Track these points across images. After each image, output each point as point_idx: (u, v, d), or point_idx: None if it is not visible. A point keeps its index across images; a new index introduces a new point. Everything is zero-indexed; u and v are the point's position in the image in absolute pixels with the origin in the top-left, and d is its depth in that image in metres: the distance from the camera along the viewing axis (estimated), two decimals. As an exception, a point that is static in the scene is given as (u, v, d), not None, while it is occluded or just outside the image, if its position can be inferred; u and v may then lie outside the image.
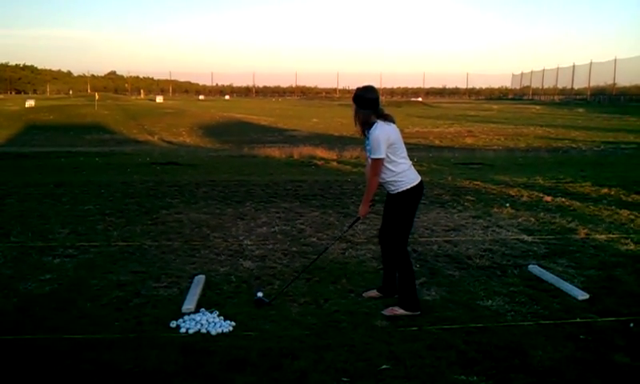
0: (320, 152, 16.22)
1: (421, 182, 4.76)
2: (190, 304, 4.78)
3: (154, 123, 27.70)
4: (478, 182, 11.05)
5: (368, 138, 4.59)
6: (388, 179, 4.67)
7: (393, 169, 4.62)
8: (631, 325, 4.53)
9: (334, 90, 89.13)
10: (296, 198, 9.56)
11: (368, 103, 4.60)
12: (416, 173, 4.77)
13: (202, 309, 4.71)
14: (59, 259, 6.12)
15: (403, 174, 4.67)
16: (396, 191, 4.70)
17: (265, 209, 8.67)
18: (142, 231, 7.32)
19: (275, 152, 16.53)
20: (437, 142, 21.20)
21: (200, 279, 5.41)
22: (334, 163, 14.53)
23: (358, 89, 4.70)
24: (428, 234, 7.26)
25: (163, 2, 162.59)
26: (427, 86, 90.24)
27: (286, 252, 6.46)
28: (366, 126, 4.62)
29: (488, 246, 6.75)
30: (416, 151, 16.88)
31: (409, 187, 4.67)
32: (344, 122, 29.19)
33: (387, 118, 4.63)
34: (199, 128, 26.63)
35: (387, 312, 4.70)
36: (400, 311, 4.69)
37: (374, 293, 5.11)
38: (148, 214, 8.23)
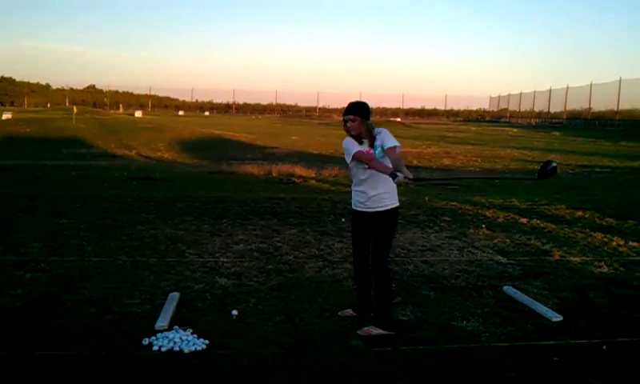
0: (299, 170, 16.22)
1: None
2: (163, 321, 4.72)
3: (132, 138, 27.51)
4: (455, 203, 11.12)
5: (375, 145, 4.65)
6: (385, 191, 4.74)
7: (391, 181, 4.64)
8: (604, 347, 4.56)
9: (314, 109, 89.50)
10: (273, 215, 9.53)
11: (369, 113, 4.74)
12: None
13: (176, 326, 4.65)
14: (31, 274, 6.01)
15: (396, 190, 4.79)
16: (390, 206, 4.77)
17: (242, 226, 8.63)
18: (116, 246, 7.23)
19: (254, 169, 16.50)
20: (415, 162, 21.31)
21: (174, 296, 5.35)
22: (313, 181, 14.54)
23: (358, 102, 4.79)
24: (404, 254, 7.27)
25: (143, 17, 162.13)
26: (406, 106, 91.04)
27: (262, 270, 6.42)
28: (369, 134, 4.68)
29: (464, 266, 6.78)
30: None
31: (398, 204, 4.83)
32: (323, 140, 29.31)
33: None
34: (178, 143, 26.51)
35: (363, 332, 4.68)
36: (376, 331, 4.67)
37: (349, 312, 5.09)
38: (123, 229, 8.14)
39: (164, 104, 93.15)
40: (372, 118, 4.78)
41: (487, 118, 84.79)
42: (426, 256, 7.22)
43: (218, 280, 6.00)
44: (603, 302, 5.69)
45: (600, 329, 4.96)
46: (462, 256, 7.27)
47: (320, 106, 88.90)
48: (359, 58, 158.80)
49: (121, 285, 5.74)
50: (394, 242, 7.71)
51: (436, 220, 9.45)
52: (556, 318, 5.13)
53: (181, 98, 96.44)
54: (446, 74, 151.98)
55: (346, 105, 4.83)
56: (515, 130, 52.15)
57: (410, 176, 4.40)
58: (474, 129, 52.48)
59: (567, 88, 65.76)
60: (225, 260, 6.77)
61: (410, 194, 12.32)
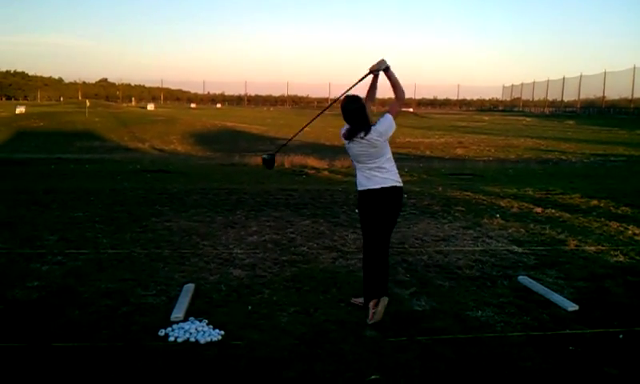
0: (311, 161, 16.22)
1: None
2: (178, 312, 4.75)
3: (145, 131, 27.63)
4: (469, 193, 11.07)
5: (377, 124, 4.79)
6: (393, 170, 4.86)
7: (392, 161, 4.89)
8: (620, 336, 4.54)
9: (326, 100, 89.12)
10: (287, 206, 9.54)
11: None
12: None
13: (191, 317, 4.68)
14: (47, 266, 6.06)
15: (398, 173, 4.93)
16: (399, 184, 4.85)
17: (255, 217, 8.65)
18: (131, 239, 7.27)
19: (266, 161, 16.49)
20: (427, 153, 21.26)
21: (189, 287, 5.37)
22: (325, 172, 14.53)
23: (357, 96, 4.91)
24: (418, 245, 7.26)
25: (156, 10, 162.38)
26: (418, 96, 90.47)
27: (276, 261, 6.44)
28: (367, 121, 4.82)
29: (478, 256, 6.76)
30: (407, 161, 16.92)
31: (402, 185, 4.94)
32: (335, 131, 29.20)
33: None
34: (190, 136, 26.60)
35: (372, 317, 4.70)
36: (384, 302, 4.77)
37: (360, 301, 5.09)
38: (137, 222, 8.18)
39: (176, 97, 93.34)
40: (374, 109, 4.91)
41: (500, 108, 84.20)
42: (440, 246, 7.20)
43: (232, 271, 6.02)
44: (619, 291, 5.65)
45: (616, 318, 4.93)
46: (477, 246, 7.24)
47: (331, 96, 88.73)
48: (371, 48, 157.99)
49: (136, 277, 5.78)
50: (408, 232, 7.77)
51: (450, 210, 9.42)
52: (572, 307, 5.10)
53: (193, 91, 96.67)
54: (458, 64, 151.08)
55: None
56: (529, 119, 51.82)
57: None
58: (487, 118, 52.20)
59: (581, 76, 65.20)
60: (239, 251, 6.79)
61: (423, 183, 12.29)
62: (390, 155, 4.86)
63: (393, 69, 4.90)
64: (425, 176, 13.95)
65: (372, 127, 4.74)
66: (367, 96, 5.03)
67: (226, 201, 9.92)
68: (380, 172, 4.79)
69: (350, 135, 4.78)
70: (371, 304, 4.76)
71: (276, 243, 7.21)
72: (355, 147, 4.79)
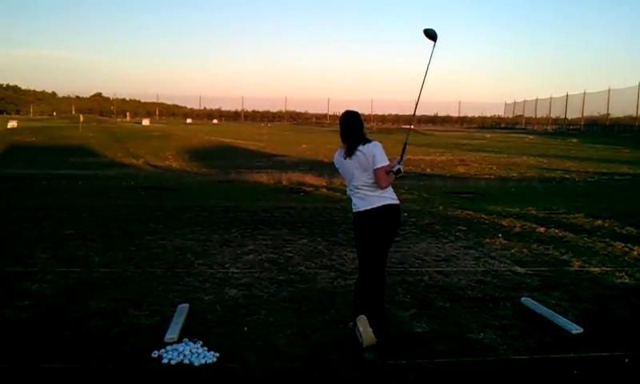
0: (309, 178, 16.23)
1: None
2: (172, 333, 4.72)
3: (140, 146, 27.67)
4: (470, 212, 11.08)
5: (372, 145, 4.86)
6: (388, 188, 4.92)
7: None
8: (626, 360, 4.52)
9: (325, 116, 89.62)
10: (284, 225, 9.54)
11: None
12: None
13: (185, 339, 4.66)
14: (38, 285, 6.04)
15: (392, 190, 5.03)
16: (395, 202, 4.93)
17: (252, 236, 8.64)
18: (124, 257, 7.26)
19: (263, 178, 16.52)
20: (428, 170, 21.29)
21: (183, 308, 5.36)
22: (324, 190, 14.54)
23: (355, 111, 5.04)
24: (419, 264, 7.25)
25: (151, 24, 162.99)
26: (419, 113, 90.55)
27: (272, 281, 6.42)
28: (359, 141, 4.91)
29: (480, 277, 6.75)
30: (406, 179, 16.92)
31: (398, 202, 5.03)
32: (334, 147, 29.19)
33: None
34: (186, 152, 26.62)
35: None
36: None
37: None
38: (131, 240, 8.17)
39: (172, 112, 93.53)
40: (374, 126, 4.98)
41: (502, 125, 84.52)
42: (441, 266, 7.20)
43: (227, 291, 6.00)
44: (624, 313, 5.64)
45: (621, 341, 4.91)
46: (479, 266, 7.24)
47: (331, 112, 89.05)
48: (371, 63, 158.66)
49: (129, 296, 5.76)
50: (408, 252, 7.76)
51: (451, 229, 9.42)
52: (576, 330, 5.09)
53: (189, 106, 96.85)
54: (459, 80, 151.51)
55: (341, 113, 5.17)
56: (531, 136, 51.95)
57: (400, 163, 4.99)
58: (488, 136, 52.35)
59: (584, 94, 65.44)
60: (235, 271, 6.77)
61: (424, 202, 12.30)
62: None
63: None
64: (425, 194, 13.96)
65: (371, 142, 4.83)
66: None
67: (222, 219, 9.92)
68: (375, 190, 4.84)
69: (348, 152, 4.85)
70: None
71: (273, 262, 7.20)
72: (351, 163, 4.85)
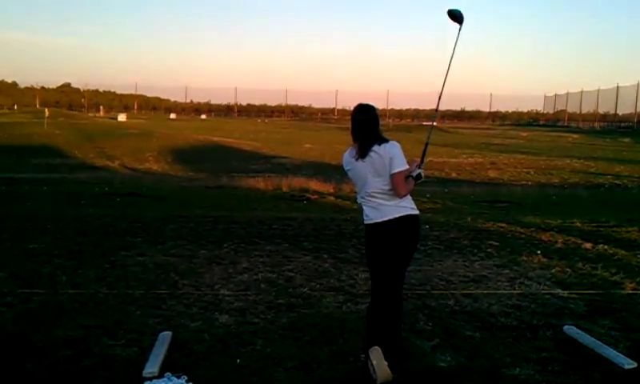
0: (314, 184, 16.24)
1: None
2: (153, 367, 4.72)
3: (115, 146, 27.75)
4: (504, 224, 11.06)
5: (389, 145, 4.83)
6: (407, 197, 4.92)
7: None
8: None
9: (332, 111, 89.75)
10: (284, 238, 9.54)
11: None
12: None
13: (168, 373, 4.65)
14: (-5, 309, 6.06)
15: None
16: (414, 212, 4.92)
17: (246, 251, 8.65)
18: (96, 276, 7.27)
19: (260, 183, 16.54)
20: (454, 175, 21.29)
21: (166, 336, 5.35)
22: (331, 198, 14.55)
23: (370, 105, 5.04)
24: (443, 286, 7.24)
25: (128, 4, 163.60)
26: (443, 107, 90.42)
27: (270, 305, 6.42)
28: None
29: (515, 301, 6.73)
30: (428, 185, 16.90)
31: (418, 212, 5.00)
32: (343, 148, 29.24)
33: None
34: (169, 153, 26.69)
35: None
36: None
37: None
38: (105, 256, 8.18)
39: (152, 106, 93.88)
40: (390, 122, 4.95)
41: (541, 122, 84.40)
42: (470, 288, 7.19)
43: (217, 317, 6.00)
44: (687, 345, 5.61)
45: (683, 378, 4.89)
46: (514, 288, 7.22)
47: (339, 106, 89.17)
48: (386, 50, 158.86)
49: (102, 322, 5.76)
50: (430, 271, 7.75)
51: (481, 245, 9.41)
52: (629, 364, 5.06)
53: (172, 99, 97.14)
54: (490, 69, 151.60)
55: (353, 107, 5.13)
56: (575, 135, 51.88)
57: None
58: (525, 134, 52.29)
59: (638, 84, 65.34)
60: (226, 293, 6.78)
61: (449, 212, 12.29)
62: None
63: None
64: (451, 203, 13.95)
65: (388, 142, 4.79)
66: None
67: (212, 231, 9.93)
68: (391, 199, 4.81)
69: (360, 153, 4.81)
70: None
71: (271, 283, 7.20)
72: (363, 166, 4.83)
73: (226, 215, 11.46)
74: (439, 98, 5.38)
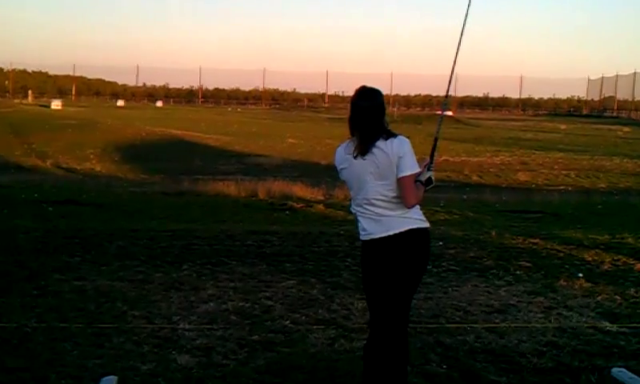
0: (298, 189, 16.26)
1: None
2: (93, 421, 4.71)
3: (48, 141, 27.70)
4: (536, 240, 11.09)
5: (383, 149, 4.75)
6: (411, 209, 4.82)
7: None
8: None
9: (321, 97, 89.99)
10: (261, 258, 9.53)
11: None
12: None
13: (112, 429, 4.64)
14: None
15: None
16: (423, 225, 4.84)
17: (212, 274, 8.63)
18: (22, 305, 7.23)
19: (230, 188, 16.56)
20: (474, 178, 21.37)
21: (110, 382, 5.34)
22: (320, 207, 14.56)
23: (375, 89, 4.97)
24: (460, 318, 7.24)
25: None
26: (462, 92, 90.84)
27: (242, 342, 6.41)
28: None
29: (551, 337, 6.74)
30: (443, 191, 16.96)
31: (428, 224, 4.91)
32: (335, 144, 29.28)
33: None
34: (116, 149, 26.66)
35: None
36: None
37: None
38: (33, 280, 8.15)
39: (95, 90, 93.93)
40: (395, 111, 4.88)
41: (584, 112, 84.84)
42: (494, 321, 7.19)
43: (176, 357, 5.98)
44: None
45: None
46: (549, 321, 7.23)
47: (331, 92, 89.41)
48: (389, 21, 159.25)
49: (29, 364, 5.73)
50: (444, 299, 7.75)
51: (508, 266, 9.42)
52: (693, 416, 5.08)
53: (121, 82, 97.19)
54: (521, 47, 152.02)
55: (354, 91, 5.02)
56: (627, 128, 52.15)
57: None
58: (563, 127, 52.60)
59: None
60: (186, 326, 6.75)
61: (469, 225, 12.32)
62: None
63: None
64: (471, 214, 13.99)
65: (396, 137, 4.73)
66: None
67: (169, 249, 9.92)
68: (396, 208, 4.77)
69: (361, 148, 4.75)
70: None
71: (244, 314, 7.18)
72: (363, 166, 4.77)
73: (187, 229, 11.45)
74: (449, 81, 5.36)
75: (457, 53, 5.22)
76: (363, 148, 4.70)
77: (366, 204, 4.80)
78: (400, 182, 4.66)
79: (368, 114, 4.76)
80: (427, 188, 4.78)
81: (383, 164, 4.67)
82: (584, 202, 16.90)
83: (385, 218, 4.76)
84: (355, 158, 4.74)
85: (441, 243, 10.01)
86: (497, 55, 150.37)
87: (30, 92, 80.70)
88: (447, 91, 5.54)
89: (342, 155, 4.88)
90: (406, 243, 4.76)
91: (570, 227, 12.55)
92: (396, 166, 4.65)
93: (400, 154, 4.63)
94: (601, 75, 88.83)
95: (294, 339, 6.50)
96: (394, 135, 4.71)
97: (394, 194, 4.72)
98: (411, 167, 4.65)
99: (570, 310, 7.63)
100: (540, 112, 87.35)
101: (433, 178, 4.84)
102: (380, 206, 4.76)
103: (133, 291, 7.86)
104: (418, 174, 4.73)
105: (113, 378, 5.42)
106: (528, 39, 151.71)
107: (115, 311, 7.17)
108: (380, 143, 4.66)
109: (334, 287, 8.25)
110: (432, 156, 4.99)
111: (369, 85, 4.97)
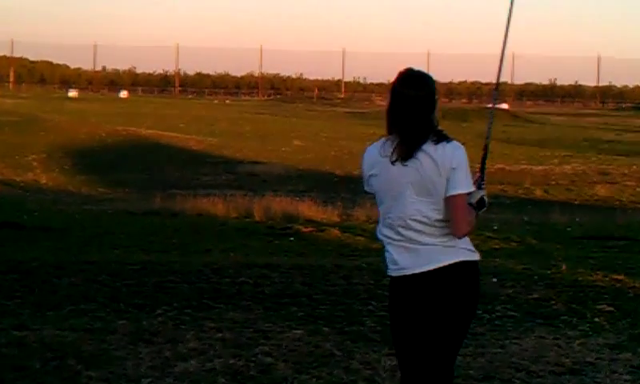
0: (306, 208, 16.29)
1: None
2: None
3: (-24, 144, 27.81)
4: (621, 277, 11.06)
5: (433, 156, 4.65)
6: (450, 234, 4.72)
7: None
8: None
9: (336, 84, 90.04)
10: (257, 300, 9.54)
11: None
12: None
13: None
14: None
15: None
16: (473, 258, 4.74)
17: (194, 322, 8.63)
18: (-56, 364, 7.26)
19: (217, 206, 16.60)
20: (538, 193, 21.37)
21: None
22: (335, 231, 14.55)
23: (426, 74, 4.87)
24: (522, 381, 7.23)
25: None
26: (519, 80, 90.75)
27: (234, 412, 6.42)
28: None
29: (641, 407, 6.74)
30: (497, 210, 16.95)
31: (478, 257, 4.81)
32: (355, 147, 29.27)
33: None
34: (66, 155, 26.75)
35: None
36: None
37: None
38: (-42, 329, 8.18)
39: (40, 76, 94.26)
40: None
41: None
42: (566, 385, 7.18)
43: (146, 434, 6.00)
44: None
45: None
46: (638, 384, 7.22)
47: (348, 78, 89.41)
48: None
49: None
50: (499, 356, 7.74)
51: (584, 311, 9.40)
52: None
53: (73, 65, 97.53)
54: (597, 19, 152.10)
55: (396, 74, 4.82)
56: None
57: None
58: (655, 125, 52.48)
59: None
60: (160, 392, 6.77)
61: (531, 256, 12.30)
62: None
63: None
64: (534, 241, 13.98)
65: (449, 141, 4.67)
66: None
67: (137, 288, 9.93)
68: (439, 235, 4.71)
69: (402, 152, 4.67)
70: None
71: (235, 375, 7.18)
72: (402, 174, 4.69)
73: (160, 261, 11.46)
74: (500, 63, 5.28)
75: (508, 23, 5.13)
76: (405, 151, 4.52)
77: (400, 226, 4.64)
78: (450, 201, 4.52)
79: (415, 105, 4.58)
80: (479, 212, 4.62)
81: (429, 175, 4.50)
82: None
83: (423, 246, 4.63)
84: (393, 163, 4.56)
85: (495, 280, 9.99)
86: (566, 30, 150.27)
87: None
88: (498, 77, 5.44)
89: (375, 157, 4.68)
90: (449, 281, 4.67)
91: (666, 259, 12.53)
92: (446, 180, 4.51)
93: (453, 165, 4.49)
94: None
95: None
96: (447, 138, 4.57)
97: (439, 217, 4.58)
98: (466, 184, 4.54)
99: (666, 370, 7.62)
100: (624, 105, 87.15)
101: (486, 198, 4.66)
102: (418, 231, 4.60)
103: (89, 344, 7.85)
104: (468, 194, 4.65)
105: None
106: (605, 10, 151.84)
107: (66, 371, 7.16)
108: (428, 147, 4.51)
109: (354, 339, 8.23)
110: (482, 169, 4.85)
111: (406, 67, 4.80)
